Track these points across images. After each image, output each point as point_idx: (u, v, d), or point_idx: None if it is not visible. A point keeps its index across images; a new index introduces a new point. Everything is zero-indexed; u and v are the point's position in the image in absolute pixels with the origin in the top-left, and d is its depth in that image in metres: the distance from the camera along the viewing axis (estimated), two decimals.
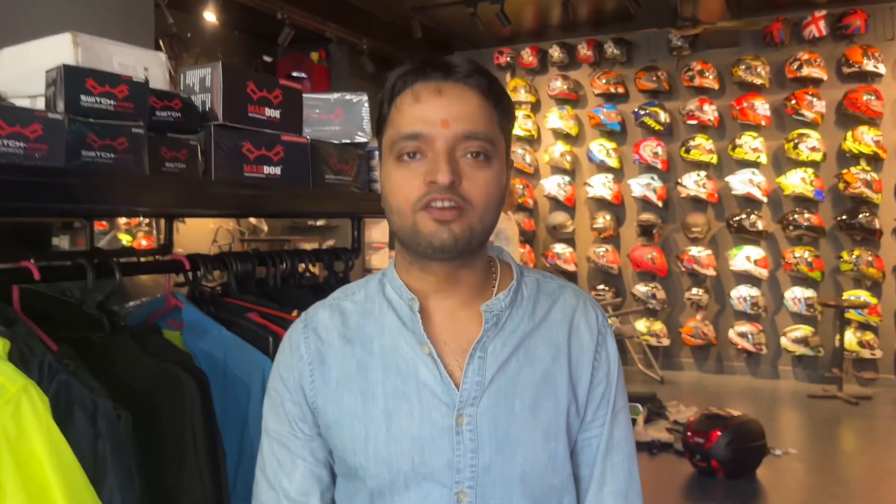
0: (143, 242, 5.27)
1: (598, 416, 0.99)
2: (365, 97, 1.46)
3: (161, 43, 5.13)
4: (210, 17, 5.45)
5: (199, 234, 5.59)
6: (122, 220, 5.03)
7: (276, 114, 1.24)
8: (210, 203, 1.07)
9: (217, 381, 1.31)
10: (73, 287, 1.35)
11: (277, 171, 1.26)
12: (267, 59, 6.89)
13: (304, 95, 1.38)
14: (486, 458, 0.91)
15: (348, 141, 1.47)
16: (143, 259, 2.08)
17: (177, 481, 1.16)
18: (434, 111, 0.88)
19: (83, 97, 0.96)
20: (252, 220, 6.33)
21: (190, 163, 1.13)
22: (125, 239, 5.15)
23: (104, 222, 4.26)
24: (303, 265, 1.79)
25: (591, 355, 0.99)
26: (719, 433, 4.03)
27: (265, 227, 6.54)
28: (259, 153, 1.21)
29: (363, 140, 1.49)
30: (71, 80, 0.97)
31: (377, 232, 6.62)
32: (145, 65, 1.35)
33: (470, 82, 0.90)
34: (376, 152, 1.75)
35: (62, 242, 3.62)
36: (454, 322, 0.96)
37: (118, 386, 1.09)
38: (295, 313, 1.51)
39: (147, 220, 5.32)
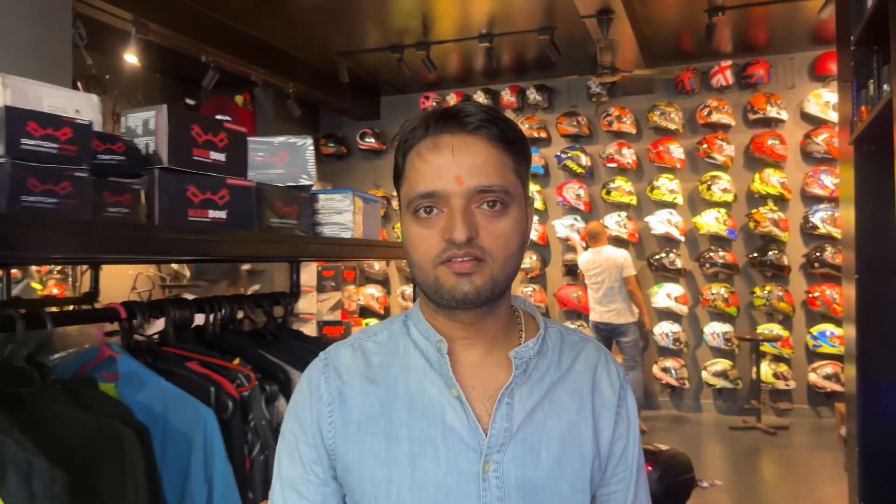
0: (55, 290, 5.02)
1: (619, 471, 0.99)
2: (310, 140, 1.45)
3: (79, 84, 4.97)
4: (131, 59, 5.33)
5: (117, 280, 5.37)
6: (34, 268, 4.78)
7: (221, 157, 1.22)
8: (154, 248, 1.03)
9: (157, 435, 1.25)
10: (31, 347, 1.27)
11: (223, 214, 1.23)
12: (189, 101, 6.78)
13: (249, 139, 1.36)
14: None
15: (293, 184, 1.46)
16: (68, 308, 1.99)
17: None
18: (447, 168, 0.87)
19: (24, 140, 0.91)
20: (174, 265, 6.13)
21: (133, 207, 1.09)
22: (37, 287, 4.89)
23: (16, 270, 4.05)
24: (241, 312, 1.75)
25: (612, 409, 0.98)
26: (650, 468, 4.09)
27: (188, 273, 6.34)
28: (204, 197, 1.18)
29: (308, 183, 1.48)
30: (12, 122, 0.92)
31: (305, 276, 6.52)
32: (77, 107, 1.31)
33: (482, 133, 0.89)
34: (320, 195, 1.74)
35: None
36: (481, 367, 0.94)
37: (53, 444, 1.03)
38: (237, 361, 1.47)
39: (59, 268, 5.07)
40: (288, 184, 1.43)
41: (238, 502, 1.31)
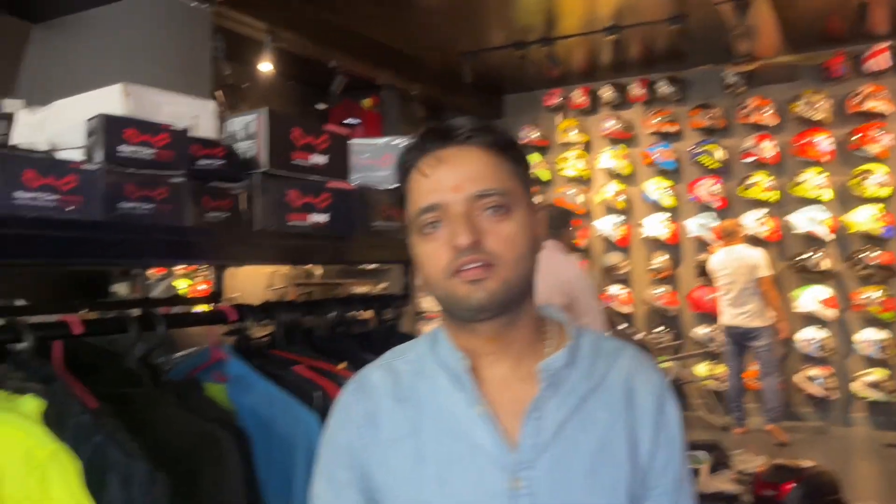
0: (202, 287, 5.32)
1: (661, 483, 0.94)
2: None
3: (219, 94, 5.26)
4: (266, 67, 5.58)
5: (255, 278, 5.63)
6: (180, 267, 5.10)
7: (322, 160, 1.21)
8: (253, 254, 1.03)
9: (262, 439, 1.26)
10: (122, 336, 1.32)
11: (324, 218, 1.22)
12: (320, 107, 7.02)
13: (352, 141, 1.34)
14: None
15: (399, 186, 1.43)
16: (193, 308, 2.07)
17: None
18: (444, 179, 0.89)
19: (121, 146, 0.93)
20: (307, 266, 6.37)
21: (233, 212, 1.10)
22: (184, 283, 5.21)
23: (162, 268, 4.33)
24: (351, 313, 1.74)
25: (651, 419, 0.94)
26: (792, 485, 3.79)
27: (319, 271, 6.56)
28: (304, 201, 1.17)
29: None
30: (110, 129, 0.94)
31: None
32: (195, 113, 1.34)
33: (473, 142, 0.90)
34: None
35: (120, 289, 3.67)
36: (507, 382, 0.93)
37: (156, 446, 1.04)
38: (343, 366, 1.45)
39: (206, 266, 5.38)
40: (394, 185, 1.40)
41: None
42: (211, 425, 1.11)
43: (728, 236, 5.92)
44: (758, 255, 5.78)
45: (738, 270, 5.76)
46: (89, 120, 0.99)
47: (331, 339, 1.64)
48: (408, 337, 1.89)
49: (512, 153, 0.93)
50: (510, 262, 0.88)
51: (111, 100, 1.20)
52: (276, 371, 1.40)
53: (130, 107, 1.19)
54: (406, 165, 0.94)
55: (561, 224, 3.54)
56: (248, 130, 1.15)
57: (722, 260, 5.89)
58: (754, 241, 6.41)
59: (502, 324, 0.91)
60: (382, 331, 1.82)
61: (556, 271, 3.19)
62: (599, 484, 0.89)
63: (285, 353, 1.48)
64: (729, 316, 5.87)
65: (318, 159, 1.20)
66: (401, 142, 1.42)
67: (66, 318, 1.11)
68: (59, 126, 1.31)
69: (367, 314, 1.85)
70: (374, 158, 1.42)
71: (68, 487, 0.85)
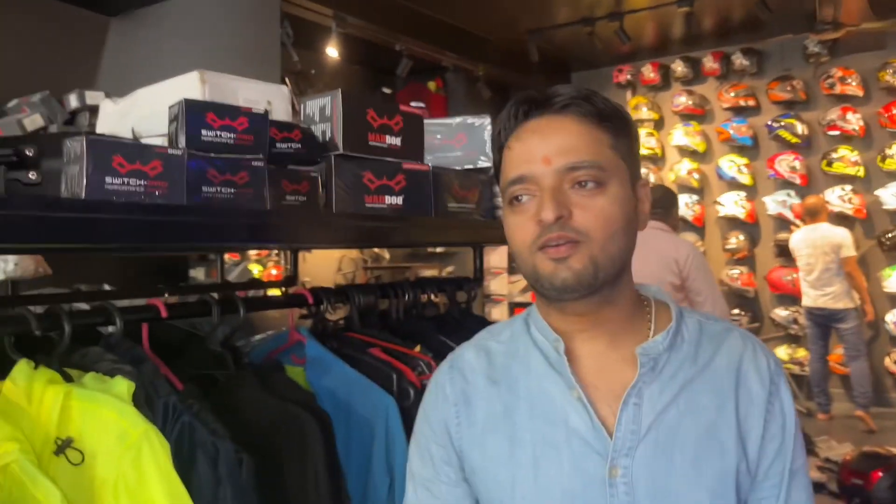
0: (273, 272, 5.45)
1: (772, 474, 0.88)
2: (488, 120, 1.39)
3: (287, 80, 5.34)
4: (332, 52, 5.63)
5: (324, 262, 5.73)
6: (253, 252, 5.23)
7: (397, 141, 1.19)
8: (331, 237, 1.03)
9: (340, 421, 1.27)
10: (203, 320, 1.35)
11: (399, 200, 1.21)
12: (386, 90, 7.05)
13: (426, 121, 1.33)
14: None
15: (471, 166, 1.41)
16: (269, 291, 2.10)
17: None
18: (535, 150, 0.86)
19: (204, 131, 0.94)
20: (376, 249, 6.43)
21: (311, 195, 1.10)
22: (256, 268, 5.34)
23: (236, 253, 4.44)
24: (425, 296, 1.74)
25: (762, 406, 0.88)
26: (881, 474, 3.62)
27: (387, 255, 6.63)
28: (380, 183, 1.16)
29: (486, 165, 1.42)
30: (191, 114, 0.95)
31: (496, 257, 6.56)
32: (269, 98, 1.35)
33: (569, 111, 0.87)
34: None
35: (198, 274, 3.79)
36: (604, 365, 0.89)
37: (240, 427, 1.06)
38: (418, 349, 1.45)
39: (277, 251, 5.50)
40: (466, 166, 1.38)
41: None
42: (294, 407, 1.12)
43: (812, 214, 5.66)
44: (842, 234, 5.51)
45: (821, 249, 5.51)
46: (171, 107, 1.01)
47: (406, 322, 1.64)
48: (481, 319, 1.88)
49: (613, 124, 0.88)
50: (599, 240, 0.84)
51: (189, 87, 1.21)
52: (352, 353, 1.41)
53: (207, 93, 1.20)
54: (501, 136, 0.91)
55: (668, 204, 3.45)
56: (324, 113, 1.15)
57: (804, 238, 5.64)
58: (839, 218, 6.12)
59: (594, 303, 0.87)
60: (456, 313, 1.81)
61: (665, 250, 3.13)
62: (704, 474, 0.85)
63: (361, 336, 1.48)
64: (812, 297, 5.63)
65: (394, 140, 1.19)
66: (474, 121, 1.40)
67: (154, 302, 1.13)
68: (140, 114, 1.34)
69: (440, 298, 1.84)
70: (447, 138, 1.40)
71: (159, 467, 0.87)
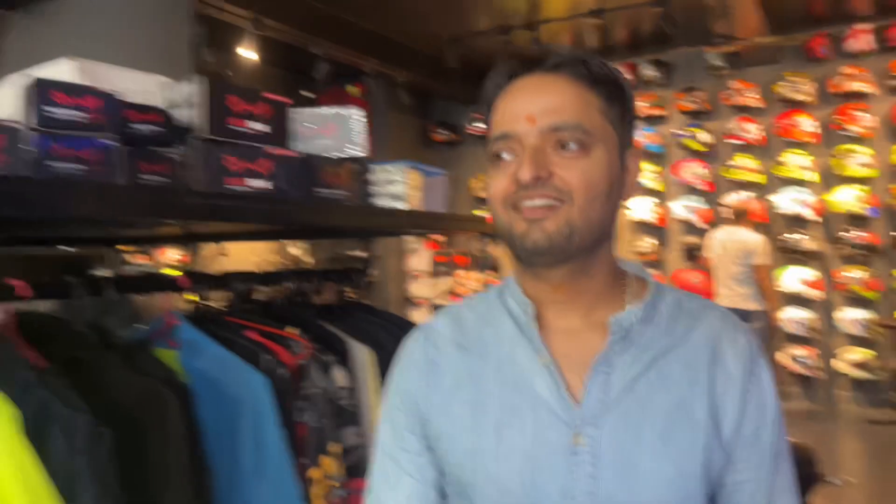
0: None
1: (751, 456, 0.86)
2: (357, 112, 1.46)
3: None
4: (249, 54, 5.59)
5: (242, 267, 5.65)
6: (167, 258, 5.12)
7: (261, 127, 1.24)
8: (188, 213, 1.06)
9: (212, 400, 1.30)
10: (96, 313, 1.35)
11: (266, 184, 1.25)
12: (307, 94, 7.03)
13: (297, 110, 1.38)
14: (607, 488, 0.81)
15: (341, 155, 1.47)
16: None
17: (162, 499, 1.15)
18: (521, 108, 0.84)
19: (50, 108, 0.97)
20: (296, 252, 6.40)
21: (172, 176, 1.13)
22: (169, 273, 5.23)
23: (145, 256, 4.37)
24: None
25: (739, 386, 0.86)
26: None
27: (310, 260, 6.59)
28: (243, 166, 1.21)
29: (356, 154, 1.48)
30: (41, 92, 0.98)
31: (416, 261, 6.63)
32: (147, 87, 1.37)
33: (563, 71, 0.84)
34: (373, 167, 1.74)
35: (105, 275, 3.71)
36: (576, 334, 0.88)
37: (103, 404, 1.08)
38: (288, 329, 1.49)
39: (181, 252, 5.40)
40: (335, 154, 1.44)
41: (288, 466, 1.33)
42: (153, 382, 1.14)
43: (736, 217, 5.77)
44: (757, 241, 5.63)
45: (733, 253, 5.66)
46: (27, 87, 1.03)
47: (288, 309, 1.67)
48: (370, 308, 1.93)
49: (607, 88, 0.85)
50: (579, 203, 0.81)
51: (60, 72, 1.23)
52: (227, 335, 1.44)
53: (79, 79, 1.22)
54: (491, 93, 0.88)
55: None
56: (189, 99, 1.19)
57: (721, 238, 5.79)
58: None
59: (570, 271, 0.85)
60: (345, 303, 1.86)
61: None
62: (672, 448, 0.82)
63: (238, 320, 1.52)
64: (724, 297, 5.85)
65: (258, 126, 1.24)
66: (344, 112, 1.46)
67: (12, 281, 1.14)
68: (8, 98, 1.35)
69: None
70: (319, 127, 1.46)
71: (3, 434, 0.88)
